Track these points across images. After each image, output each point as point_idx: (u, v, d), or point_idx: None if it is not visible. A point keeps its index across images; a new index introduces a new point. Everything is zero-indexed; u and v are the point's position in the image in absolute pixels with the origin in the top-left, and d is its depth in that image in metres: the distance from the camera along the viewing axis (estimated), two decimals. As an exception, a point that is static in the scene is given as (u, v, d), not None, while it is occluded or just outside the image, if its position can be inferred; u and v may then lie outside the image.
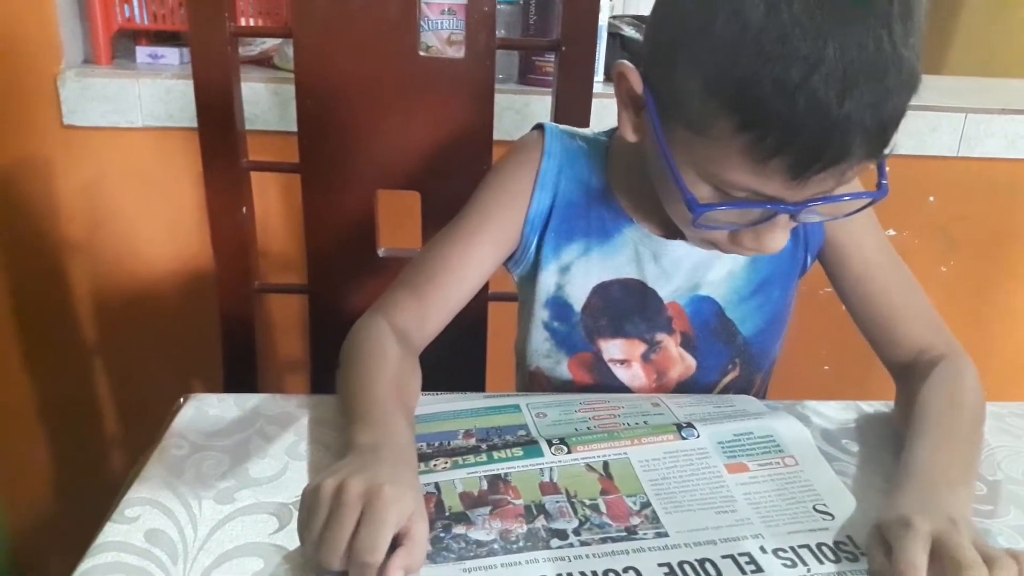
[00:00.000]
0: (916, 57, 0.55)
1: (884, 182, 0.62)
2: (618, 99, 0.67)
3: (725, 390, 0.82)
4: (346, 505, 0.49)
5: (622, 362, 0.80)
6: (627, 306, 0.78)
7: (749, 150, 0.55)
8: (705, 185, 0.60)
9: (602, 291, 0.78)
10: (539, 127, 0.78)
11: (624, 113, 0.66)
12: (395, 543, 0.49)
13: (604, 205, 0.76)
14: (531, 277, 0.80)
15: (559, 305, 0.79)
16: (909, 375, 0.74)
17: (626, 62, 0.64)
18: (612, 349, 0.80)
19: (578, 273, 0.78)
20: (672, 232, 0.75)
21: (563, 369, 0.81)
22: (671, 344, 0.79)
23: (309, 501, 0.51)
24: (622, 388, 0.81)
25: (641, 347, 0.79)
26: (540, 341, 0.81)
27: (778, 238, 0.63)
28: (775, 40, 0.52)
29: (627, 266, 0.77)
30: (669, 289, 0.78)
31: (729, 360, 0.81)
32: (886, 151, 0.57)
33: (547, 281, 0.78)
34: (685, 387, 0.81)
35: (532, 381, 0.84)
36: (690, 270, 0.77)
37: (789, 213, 0.60)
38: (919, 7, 0.54)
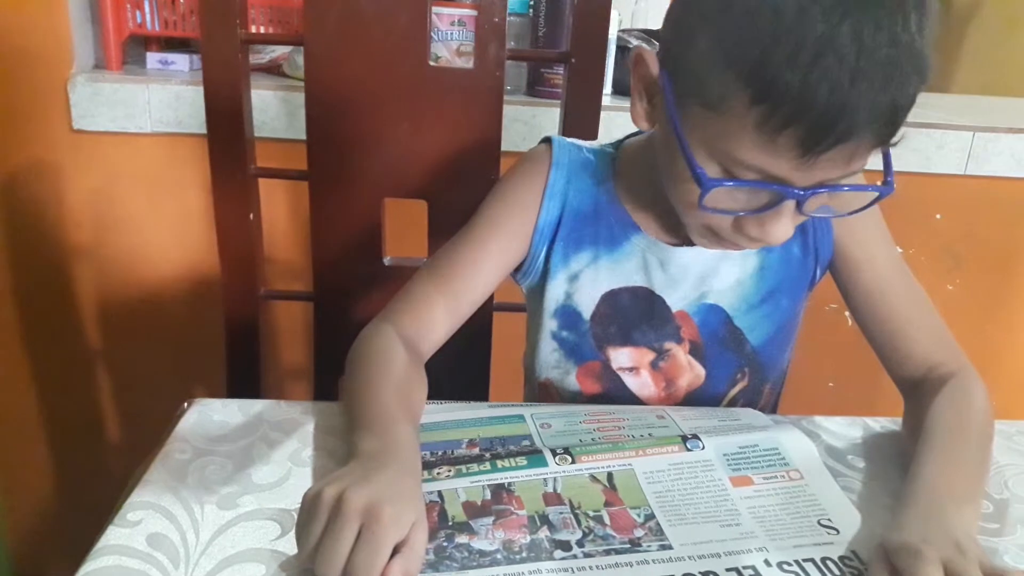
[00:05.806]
0: (928, 47, 0.55)
1: (890, 179, 0.62)
2: (632, 86, 0.68)
3: (734, 400, 0.82)
4: (345, 518, 0.49)
5: (631, 369, 0.80)
6: (635, 314, 0.78)
7: (761, 124, 0.56)
8: (715, 165, 0.61)
9: (611, 299, 0.78)
10: (547, 140, 0.79)
11: (638, 102, 0.67)
12: (395, 550, 0.49)
13: (612, 214, 0.77)
14: (540, 288, 0.80)
15: (568, 314, 0.79)
16: (918, 392, 0.74)
17: (644, 45, 0.65)
18: (621, 357, 0.80)
19: (587, 281, 0.78)
20: (679, 239, 0.75)
21: (572, 380, 0.81)
22: (680, 352, 0.79)
23: (308, 507, 0.51)
24: (631, 397, 0.80)
25: (650, 355, 0.79)
26: (549, 352, 0.81)
27: (783, 227, 0.62)
28: (793, 16, 0.53)
29: (635, 274, 0.77)
30: (677, 297, 0.78)
31: (738, 369, 0.81)
32: (894, 139, 0.58)
33: (556, 290, 0.78)
34: (694, 396, 0.81)
35: (542, 393, 0.83)
36: (698, 277, 0.77)
37: (796, 199, 0.60)
38: (933, 1, 0.56)
